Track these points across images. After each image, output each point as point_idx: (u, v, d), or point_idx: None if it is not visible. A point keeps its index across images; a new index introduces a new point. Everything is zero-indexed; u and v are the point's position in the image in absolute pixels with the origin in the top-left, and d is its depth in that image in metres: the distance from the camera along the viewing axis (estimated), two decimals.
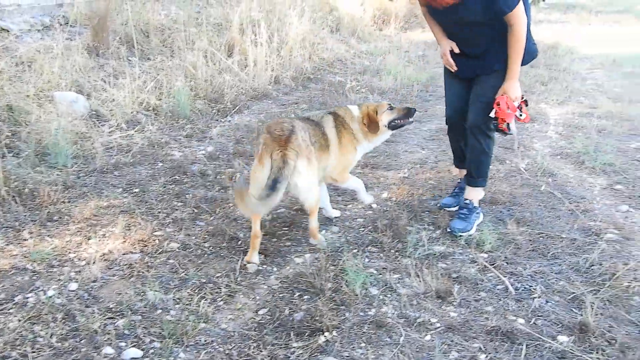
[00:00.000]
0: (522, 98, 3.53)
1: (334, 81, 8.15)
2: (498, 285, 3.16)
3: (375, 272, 3.28)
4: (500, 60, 3.46)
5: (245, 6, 8.38)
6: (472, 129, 3.68)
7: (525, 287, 3.12)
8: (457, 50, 3.69)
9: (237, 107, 6.54)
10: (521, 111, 3.50)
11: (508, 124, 3.44)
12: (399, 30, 12.86)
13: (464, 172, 3.99)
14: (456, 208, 4.02)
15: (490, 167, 3.90)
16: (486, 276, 3.24)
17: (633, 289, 3.04)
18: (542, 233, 3.72)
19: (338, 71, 8.91)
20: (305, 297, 3.04)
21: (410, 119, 3.86)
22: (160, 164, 4.85)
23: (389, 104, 3.82)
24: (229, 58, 7.57)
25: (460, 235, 3.68)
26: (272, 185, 2.98)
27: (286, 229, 3.84)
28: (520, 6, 3.26)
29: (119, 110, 5.62)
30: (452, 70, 3.77)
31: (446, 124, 4.05)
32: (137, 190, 4.32)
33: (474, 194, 3.88)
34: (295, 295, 3.06)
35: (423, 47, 11.05)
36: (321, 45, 9.65)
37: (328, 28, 10.38)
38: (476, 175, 3.82)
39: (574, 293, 3.03)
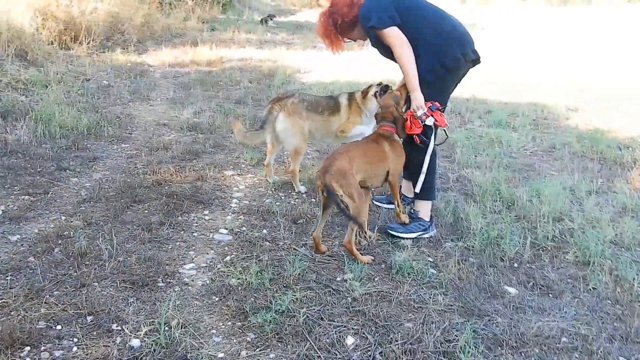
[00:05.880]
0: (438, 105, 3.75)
1: None
2: None
3: None
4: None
5: None
6: None
7: None
8: None
9: None
10: (430, 115, 3.69)
11: (418, 134, 3.75)
12: (95, 50, 10.32)
13: None
14: None
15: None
16: None
17: None
18: None
19: None
20: None
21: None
22: None
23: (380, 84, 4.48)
24: None
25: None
26: (261, 125, 4.63)
27: None
28: (393, 30, 3.61)
29: None
30: None
31: None
32: None
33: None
34: None
35: (113, 73, 8.73)
36: None
37: None
38: None
39: None
